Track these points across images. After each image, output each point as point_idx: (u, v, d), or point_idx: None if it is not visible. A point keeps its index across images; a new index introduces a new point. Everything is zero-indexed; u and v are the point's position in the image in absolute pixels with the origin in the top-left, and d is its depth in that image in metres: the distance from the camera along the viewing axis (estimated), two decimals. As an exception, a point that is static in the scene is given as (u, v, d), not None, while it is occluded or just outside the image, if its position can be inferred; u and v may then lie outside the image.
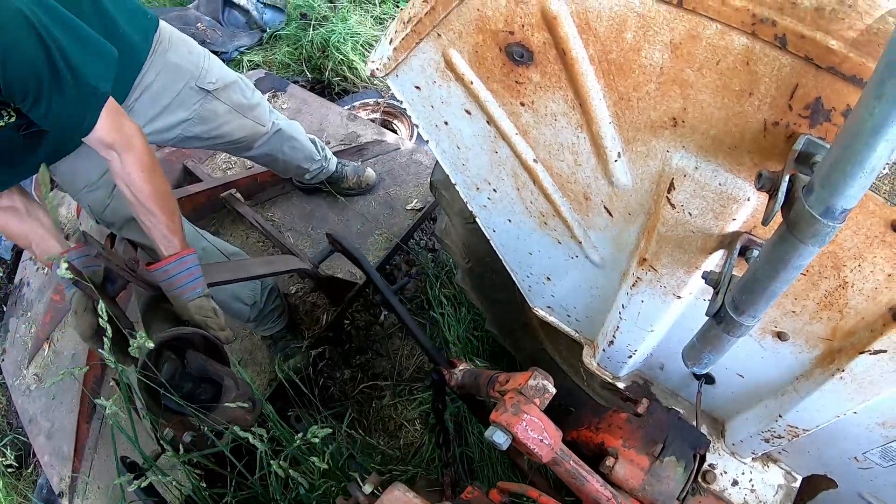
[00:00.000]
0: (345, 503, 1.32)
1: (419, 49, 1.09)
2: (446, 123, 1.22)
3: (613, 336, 1.38)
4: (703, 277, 0.97)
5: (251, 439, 1.67)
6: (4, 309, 4.02)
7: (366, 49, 4.29)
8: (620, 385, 1.57)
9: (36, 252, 1.92)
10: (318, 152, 2.94)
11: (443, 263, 3.04)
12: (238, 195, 3.08)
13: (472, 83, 1.08)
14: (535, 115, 1.05)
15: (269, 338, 2.79)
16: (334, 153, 3.16)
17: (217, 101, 2.30)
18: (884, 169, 0.75)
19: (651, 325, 1.29)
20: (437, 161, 1.94)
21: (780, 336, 1.14)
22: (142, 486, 1.61)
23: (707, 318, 0.95)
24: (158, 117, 2.17)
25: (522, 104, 1.05)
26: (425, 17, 1.02)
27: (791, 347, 1.14)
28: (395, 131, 3.75)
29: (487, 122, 1.13)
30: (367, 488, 1.31)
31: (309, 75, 4.45)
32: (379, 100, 3.95)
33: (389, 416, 2.79)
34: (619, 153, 1.01)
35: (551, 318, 1.60)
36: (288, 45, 4.65)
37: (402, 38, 1.08)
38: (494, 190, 1.29)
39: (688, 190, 0.94)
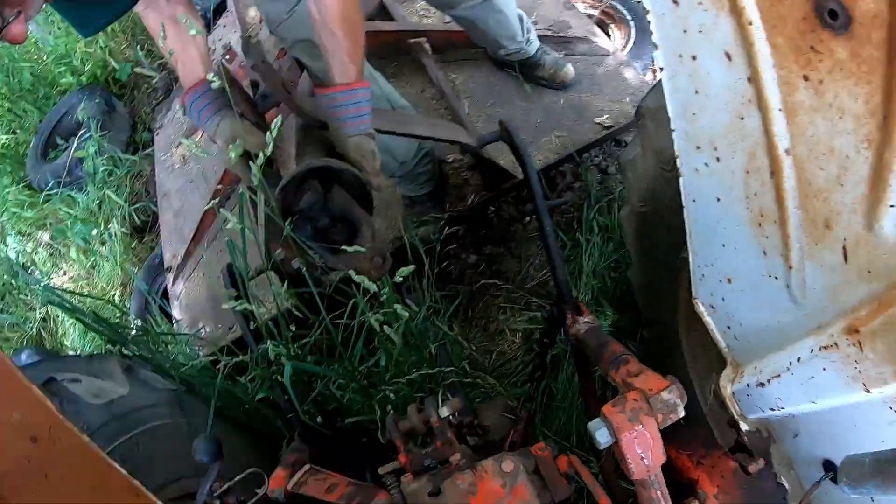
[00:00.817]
0: (417, 416, 1.23)
1: None
2: (694, 58, 0.97)
3: (767, 380, 1.15)
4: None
5: (372, 287, 1.60)
6: (174, 87, 4.22)
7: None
8: (743, 426, 1.35)
9: (179, 70, 1.81)
10: (522, 33, 2.70)
11: (609, 190, 2.79)
12: (427, 46, 2.91)
13: (750, 24, 0.82)
14: (817, 98, 0.79)
15: (408, 198, 2.70)
16: (538, 37, 2.89)
17: None
18: None
19: (816, 397, 1.04)
20: (653, 86, 1.69)
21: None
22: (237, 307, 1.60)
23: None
24: None
25: (806, 78, 0.79)
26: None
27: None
28: (608, 35, 3.38)
29: (748, 80, 0.88)
30: (444, 411, 1.21)
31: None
32: (603, -3, 3.56)
33: (495, 317, 2.69)
34: (903, 198, 0.74)
35: (707, 318, 1.37)
36: None
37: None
38: (718, 159, 1.04)
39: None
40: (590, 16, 3.41)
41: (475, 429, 1.64)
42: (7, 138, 4.79)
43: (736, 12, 0.84)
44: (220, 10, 4.37)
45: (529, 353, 2.48)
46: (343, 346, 1.74)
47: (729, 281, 1.21)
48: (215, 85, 1.60)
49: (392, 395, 1.84)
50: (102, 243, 3.87)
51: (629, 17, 3.41)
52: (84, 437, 0.89)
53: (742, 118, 0.94)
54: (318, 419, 1.64)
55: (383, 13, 3.19)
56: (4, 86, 4.89)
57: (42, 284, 1.41)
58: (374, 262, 1.69)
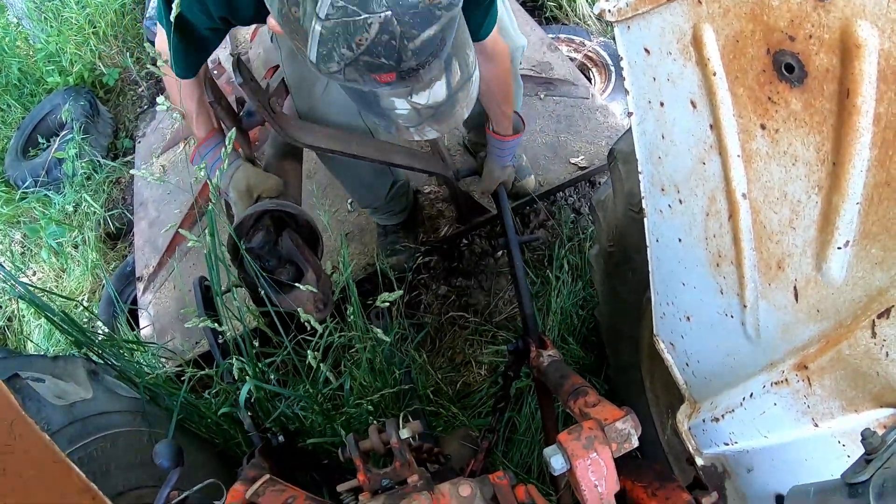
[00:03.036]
0: (377, 436, 1.24)
1: (669, 8, 0.89)
2: (661, 105, 1.02)
3: (722, 415, 1.18)
4: (861, 433, 0.76)
5: (311, 321, 1.62)
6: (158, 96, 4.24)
7: (594, -11, 3.99)
8: (699, 461, 1.38)
9: (193, 123, 1.84)
10: None
11: (582, 229, 2.84)
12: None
13: (714, 74, 0.88)
14: (772, 146, 0.84)
15: (381, 227, 2.73)
16: (523, 76, 2.95)
17: None
18: None
19: (768, 432, 1.08)
20: (626, 131, 1.75)
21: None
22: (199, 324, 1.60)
23: (838, 478, 0.75)
24: None
25: (763, 126, 0.84)
26: (693, -32, 0.83)
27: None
28: (589, 79, 3.48)
29: (710, 127, 0.93)
30: (404, 433, 1.22)
31: (527, -11, 4.23)
32: (586, 41, 3.65)
33: (462, 348, 2.70)
34: (847, 242, 0.79)
35: (667, 356, 1.41)
36: (519, -50, 4.40)
37: (657, -14, 0.89)
38: (680, 201, 1.09)
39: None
40: (572, 59, 3.51)
41: (435, 456, 1.65)
42: (-12, 131, 4.75)
43: (702, 63, 0.89)
44: (212, 26, 4.45)
45: (494, 386, 2.50)
46: (309, 367, 1.75)
47: (688, 319, 1.25)
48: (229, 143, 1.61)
49: (354, 419, 1.84)
50: (75, 247, 3.83)
51: (610, 63, 3.51)
52: (45, 435, 0.89)
53: (704, 163, 0.98)
54: (280, 438, 1.63)
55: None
56: (-10, 78, 4.87)
57: (14, 279, 1.38)
58: (317, 305, 1.73)
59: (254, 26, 3.33)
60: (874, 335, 0.78)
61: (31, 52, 5.10)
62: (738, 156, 0.91)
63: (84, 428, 1.29)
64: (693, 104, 0.95)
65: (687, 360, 1.33)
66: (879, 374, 0.81)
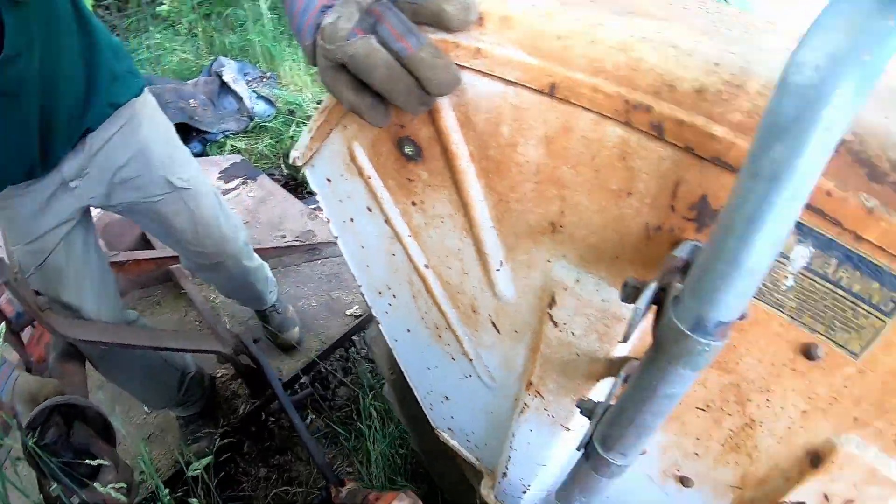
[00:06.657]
0: None
1: (330, 140, 1.04)
2: (352, 220, 1.15)
3: (506, 467, 1.25)
4: (577, 406, 0.86)
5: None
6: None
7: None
8: (518, 523, 1.41)
9: None
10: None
11: (380, 374, 2.90)
12: (186, 270, 2.98)
13: (370, 178, 1.02)
14: (425, 215, 0.98)
15: (181, 418, 2.69)
16: (288, 246, 3.10)
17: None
18: (787, 280, 0.66)
19: (542, 458, 1.16)
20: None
21: (684, 481, 1.01)
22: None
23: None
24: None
25: (414, 203, 0.99)
26: (334, 108, 0.98)
27: (696, 495, 1.02)
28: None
29: (385, 222, 1.07)
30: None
31: (285, 171, 4.56)
32: (341, 204, 3.96)
33: (295, 523, 2.57)
34: (501, 261, 0.93)
35: (453, 442, 1.47)
36: (271, 138, 4.80)
37: (318, 127, 1.04)
38: (394, 296, 1.20)
39: (569, 306, 0.85)
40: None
41: None
42: None
43: (360, 173, 1.03)
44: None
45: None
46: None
47: (447, 399, 1.33)
48: None
49: None
50: None
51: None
52: None
53: (393, 254, 1.11)
54: None
55: (145, 244, 3.24)
56: None
57: None
58: (121, 496, 1.65)
59: None
60: (555, 324, 0.89)
61: None
62: (409, 235, 1.04)
63: None
64: (369, 209, 1.08)
65: (466, 437, 1.40)
66: (579, 354, 0.91)
